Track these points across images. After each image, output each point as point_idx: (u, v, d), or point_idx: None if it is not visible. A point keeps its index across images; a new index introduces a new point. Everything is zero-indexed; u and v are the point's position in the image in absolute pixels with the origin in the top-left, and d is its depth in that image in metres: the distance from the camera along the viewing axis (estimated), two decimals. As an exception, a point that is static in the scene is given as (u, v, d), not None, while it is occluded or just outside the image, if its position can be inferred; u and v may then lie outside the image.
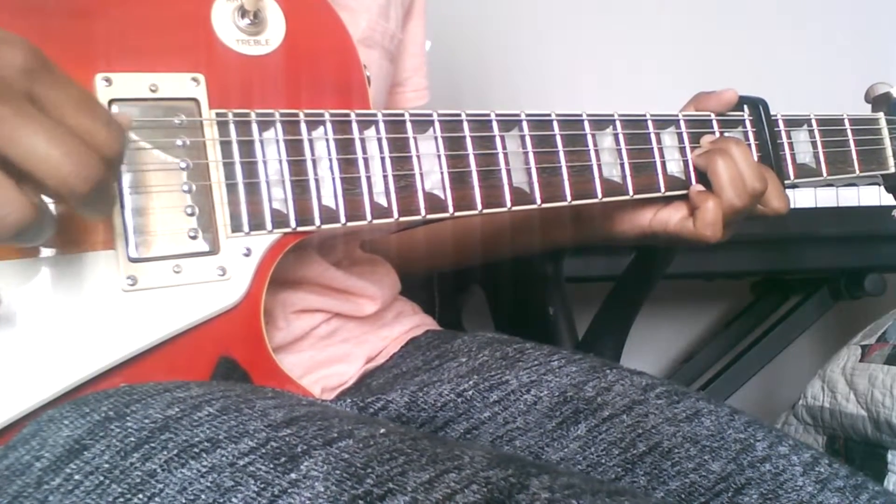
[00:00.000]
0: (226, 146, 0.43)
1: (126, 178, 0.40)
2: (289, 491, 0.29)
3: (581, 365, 0.51)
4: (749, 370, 1.19)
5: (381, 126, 0.46)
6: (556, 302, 0.97)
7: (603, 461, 0.45)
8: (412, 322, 0.61)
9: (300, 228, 0.44)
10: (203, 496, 0.29)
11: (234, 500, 0.29)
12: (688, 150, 0.56)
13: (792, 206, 1.00)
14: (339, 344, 0.54)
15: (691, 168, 0.56)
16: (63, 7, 0.41)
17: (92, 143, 0.33)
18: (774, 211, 0.56)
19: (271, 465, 0.30)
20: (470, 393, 0.50)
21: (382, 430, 0.33)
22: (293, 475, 0.29)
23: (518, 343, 0.55)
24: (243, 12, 0.45)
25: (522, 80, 1.29)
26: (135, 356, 0.40)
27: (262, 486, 0.29)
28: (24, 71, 0.32)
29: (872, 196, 1.01)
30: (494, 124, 0.49)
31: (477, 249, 0.70)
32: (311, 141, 0.44)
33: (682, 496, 0.43)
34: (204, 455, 0.31)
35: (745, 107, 0.59)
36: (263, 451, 0.31)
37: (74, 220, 0.39)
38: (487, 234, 0.68)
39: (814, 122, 0.61)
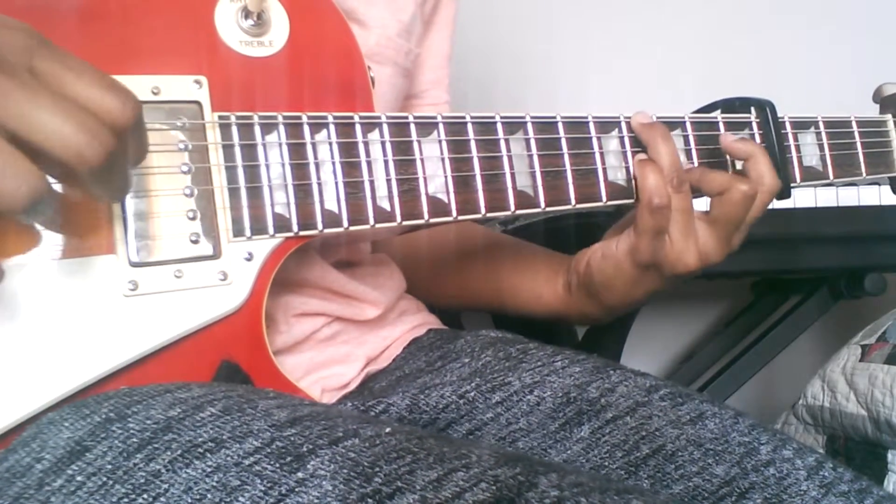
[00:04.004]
0: (228, 149, 0.42)
1: None
2: (296, 490, 0.29)
3: (585, 365, 0.51)
4: (749, 370, 1.18)
5: (385, 129, 0.46)
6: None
7: (606, 464, 0.45)
8: (415, 321, 0.60)
9: (302, 233, 0.44)
10: (209, 496, 0.29)
11: (241, 499, 0.29)
12: (693, 152, 0.56)
13: (792, 205, 1.00)
14: (339, 345, 0.54)
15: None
16: (65, 9, 0.40)
17: (99, 111, 0.32)
18: (769, 189, 0.53)
19: (277, 465, 0.30)
20: (472, 394, 0.49)
21: (388, 430, 0.32)
22: (300, 474, 0.29)
23: (521, 343, 0.54)
24: (247, 13, 0.44)
25: (529, 83, 1.29)
26: (136, 361, 0.40)
27: (269, 485, 0.29)
28: (24, 48, 0.32)
29: (872, 196, 1.01)
30: (499, 127, 0.49)
31: (478, 283, 0.66)
32: (314, 144, 0.44)
33: (686, 500, 0.43)
34: (208, 455, 0.30)
35: (753, 109, 0.58)
36: (269, 450, 0.31)
37: (75, 223, 0.39)
38: (490, 267, 0.66)
39: (821, 124, 0.60)
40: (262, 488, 0.29)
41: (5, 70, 0.31)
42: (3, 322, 0.37)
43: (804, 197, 1.00)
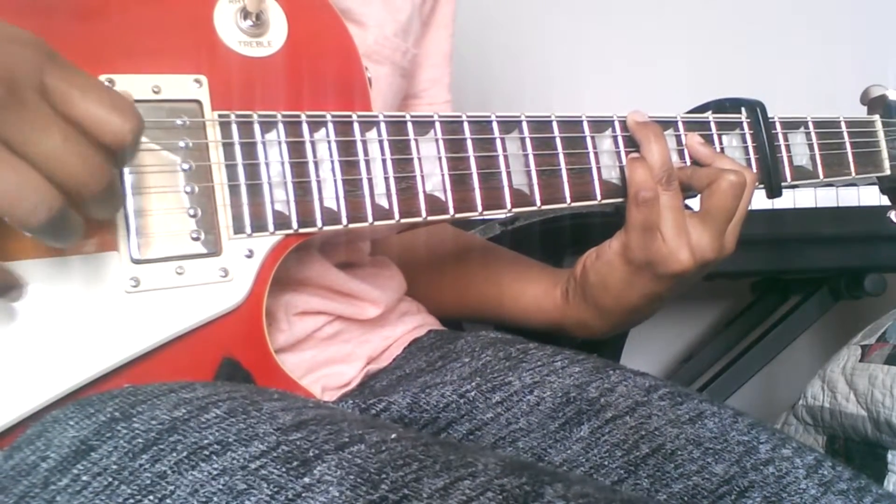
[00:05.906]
0: (228, 148, 0.43)
1: (128, 180, 0.41)
2: (303, 495, 0.29)
3: (584, 365, 0.51)
4: (749, 370, 1.19)
5: (383, 128, 0.46)
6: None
7: (606, 463, 0.45)
8: (415, 322, 0.60)
9: (302, 230, 0.44)
10: (215, 498, 0.29)
11: (247, 503, 0.29)
12: (685, 151, 0.56)
13: (792, 206, 1.00)
14: (340, 344, 0.54)
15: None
16: (66, 8, 0.41)
17: (101, 131, 0.33)
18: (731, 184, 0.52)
19: (283, 469, 0.30)
20: (472, 394, 0.49)
21: (394, 436, 0.32)
22: (306, 479, 0.29)
23: (521, 343, 0.55)
24: (245, 14, 0.45)
25: (524, 84, 1.29)
26: (138, 357, 0.40)
27: (276, 489, 0.29)
28: (35, 65, 0.32)
29: (872, 196, 1.01)
30: (495, 126, 0.50)
31: (477, 283, 0.66)
32: (313, 143, 0.44)
33: (685, 499, 0.43)
34: (214, 457, 0.30)
35: (743, 109, 0.59)
36: (275, 454, 0.31)
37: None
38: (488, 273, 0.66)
39: (810, 125, 0.61)
40: (269, 492, 0.29)
41: (16, 92, 0.31)
42: (5, 319, 0.38)
43: (804, 197, 1.00)
